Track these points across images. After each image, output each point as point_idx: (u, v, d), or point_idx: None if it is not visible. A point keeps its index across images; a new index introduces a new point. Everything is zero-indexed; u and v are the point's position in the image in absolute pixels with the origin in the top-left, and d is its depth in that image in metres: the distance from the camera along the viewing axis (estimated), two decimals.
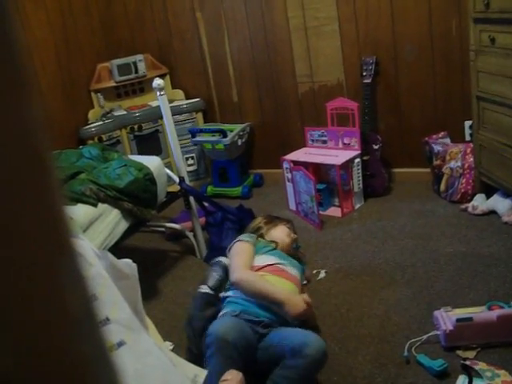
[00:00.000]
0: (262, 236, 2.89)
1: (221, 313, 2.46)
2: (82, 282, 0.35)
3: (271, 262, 2.63)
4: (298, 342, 2.14)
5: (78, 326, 0.34)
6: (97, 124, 4.46)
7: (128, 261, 1.63)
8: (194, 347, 2.45)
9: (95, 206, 2.90)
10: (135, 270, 1.62)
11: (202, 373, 1.65)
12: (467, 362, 2.27)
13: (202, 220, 3.63)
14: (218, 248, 3.24)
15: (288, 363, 2.12)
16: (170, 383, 1.27)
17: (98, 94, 4.66)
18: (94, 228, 2.85)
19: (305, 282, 2.80)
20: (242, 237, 2.80)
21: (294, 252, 2.94)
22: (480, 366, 2.25)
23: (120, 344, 1.29)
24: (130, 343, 1.30)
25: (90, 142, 4.27)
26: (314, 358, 2.10)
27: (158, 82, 3.29)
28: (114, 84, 4.67)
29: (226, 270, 2.68)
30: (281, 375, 2.13)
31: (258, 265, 2.62)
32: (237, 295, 2.49)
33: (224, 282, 2.64)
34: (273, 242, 2.85)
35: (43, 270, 0.32)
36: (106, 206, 2.96)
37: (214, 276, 2.65)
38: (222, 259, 2.74)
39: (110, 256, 1.53)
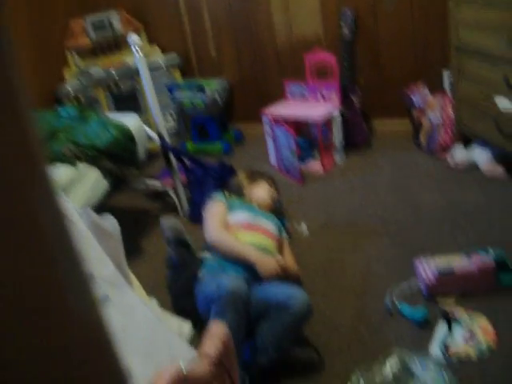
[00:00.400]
0: (243, 195, 2.89)
1: (200, 273, 2.46)
2: (54, 200, 0.34)
3: (244, 218, 2.65)
4: (283, 296, 2.16)
5: (52, 248, 0.33)
6: (73, 83, 4.39)
7: (110, 217, 1.63)
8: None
9: (75, 166, 2.88)
10: (117, 226, 1.62)
11: (187, 325, 1.67)
12: (447, 309, 2.32)
13: (183, 177, 3.62)
14: (199, 204, 3.24)
15: (273, 317, 2.15)
16: (156, 337, 1.28)
17: (74, 52, 4.57)
18: (75, 188, 2.84)
19: (284, 235, 2.80)
20: (214, 196, 2.81)
21: (275, 209, 2.94)
22: (459, 312, 2.31)
23: (105, 300, 1.30)
24: (114, 299, 1.31)
25: (67, 101, 4.21)
26: (298, 312, 2.13)
27: (133, 37, 3.24)
28: (89, 42, 4.58)
29: (179, 242, 2.63)
30: (266, 329, 2.16)
31: (232, 222, 2.64)
32: (214, 255, 2.51)
33: (183, 253, 2.62)
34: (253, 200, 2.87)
35: (16, 186, 0.31)
36: (85, 165, 2.94)
37: (171, 255, 2.60)
38: (169, 234, 2.63)
39: (92, 213, 1.53)
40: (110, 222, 1.60)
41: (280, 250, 2.67)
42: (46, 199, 0.33)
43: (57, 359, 0.33)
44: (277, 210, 2.96)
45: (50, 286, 0.33)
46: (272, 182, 3.04)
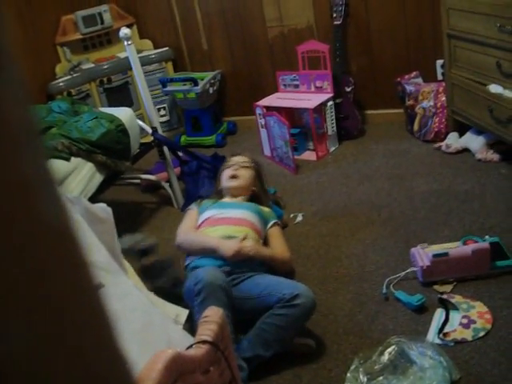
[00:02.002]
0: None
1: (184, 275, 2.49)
2: (21, 92, 0.33)
3: (209, 216, 2.66)
4: (288, 291, 2.15)
5: (18, 141, 0.32)
6: (65, 78, 4.36)
7: (103, 205, 1.62)
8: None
9: (68, 160, 2.86)
10: (110, 213, 1.61)
11: (184, 312, 1.67)
12: (444, 296, 2.33)
13: (177, 170, 3.61)
14: (194, 197, 3.24)
15: (278, 312, 2.14)
16: (151, 323, 1.27)
17: (64, 47, 4.54)
18: (68, 182, 2.82)
19: (271, 222, 2.74)
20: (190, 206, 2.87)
21: (250, 191, 2.87)
22: (456, 299, 2.31)
23: (99, 286, 1.29)
24: (108, 285, 1.30)
25: (59, 97, 4.19)
26: (305, 308, 2.14)
27: (124, 31, 3.22)
28: (80, 36, 4.55)
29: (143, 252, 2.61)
30: (270, 323, 2.16)
31: (199, 223, 2.67)
32: (192, 258, 2.52)
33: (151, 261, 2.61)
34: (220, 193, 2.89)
35: None
36: (79, 159, 2.92)
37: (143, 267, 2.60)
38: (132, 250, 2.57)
39: (85, 201, 1.52)
40: (104, 209, 1.60)
41: (271, 236, 2.68)
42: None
43: (20, 268, 0.32)
44: (260, 196, 2.90)
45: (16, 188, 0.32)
46: (240, 158, 2.96)
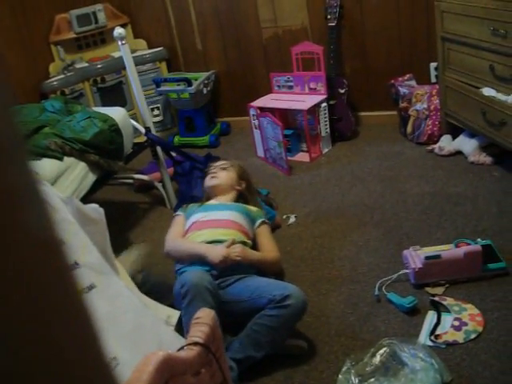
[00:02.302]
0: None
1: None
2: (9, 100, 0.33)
3: (195, 219, 2.66)
4: (279, 292, 2.15)
5: (4, 151, 0.32)
6: (58, 77, 4.34)
7: (95, 205, 1.61)
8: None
9: (61, 159, 2.85)
10: (102, 214, 1.61)
11: (175, 314, 1.67)
12: (436, 298, 2.33)
13: (171, 170, 3.61)
14: (187, 197, 3.24)
15: (269, 313, 2.14)
16: (142, 324, 1.27)
17: (58, 46, 4.53)
18: (61, 182, 2.81)
19: (259, 221, 2.72)
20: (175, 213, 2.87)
21: (235, 190, 2.87)
22: (448, 301, 2.32)
23: (90, 287, 1.29)
24: (100, 286, 1.30)
25: (52, 96, 4.17)
26: (296, 309, 2.14)
27: (118, 30, 3.21)
28: (74, 35, 4.54)
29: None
30: (261, 324, 2.15)
31: (186, 228, 2.67)
32: (182, 265, 2.51)
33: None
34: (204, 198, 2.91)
35: None
36: (72, 159, 2.91)
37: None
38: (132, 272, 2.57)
39: (77, 201, 1.51)
40: (96, 210, 1.59)
41: (259, 235, 2.67)
42: None
43: (6, 282, 0.32)
44: (246, 196, 2.90)
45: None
46: (215, 167, 2.96)
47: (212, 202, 2.82)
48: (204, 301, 2.09)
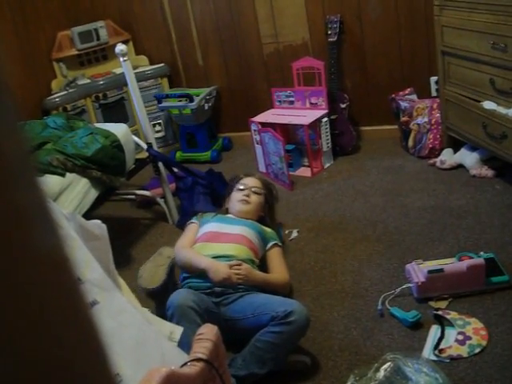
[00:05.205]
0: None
1: None
2: (16, 125, 0.33)
3: (208, 230, 2.65)
4: (281, 309, 2.13)
5: (13, 172, 0.32)
6: (60, 94, 4.36)
7: (97, 221, 1.62)
8: None
9: (63, 175, 2.86)
10: (105, 230, 1.61)
11: (178, 330, 1.66)
12: (439, 312, 2.32)
13: (173, 186, 3.61)
14: (189, 213, 3.23)
15: (272, 329, 2.13)
16: (145, 340, 1.27)
17: (60, 63, 4.55)
18: (63, 198, 2.81)
19: (271, 243, 2.70)
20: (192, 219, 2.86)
21: (257, 217, 2.84)
22: (452, 315, 2.31)
23: (93, 304, 1.29)
24: (103, 302, 1.30)
25: (55, 112, 4.19)
26: (299, 324, 2.12)
27: (120, 47, 3.23)
28: (76, 52, 4.56)
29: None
30: (264, 341, 2.14)
31: (198, 237, 2.66)
32: (186, 275, 2.52)
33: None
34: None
35: None
36: (74, 175, 2.92)
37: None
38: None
39: (79, 217, 1.51)
40: (98, 226, 1.59)
41: (270, 258, 2.65)
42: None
43: (18, 300, 0.33)
44: (264, 218, 2.88)
45: (12, 216, 0.32)
46: (249, 181, 2.92)
47: (229, 215, 2.81)
48: (189, 321, 2.09)
